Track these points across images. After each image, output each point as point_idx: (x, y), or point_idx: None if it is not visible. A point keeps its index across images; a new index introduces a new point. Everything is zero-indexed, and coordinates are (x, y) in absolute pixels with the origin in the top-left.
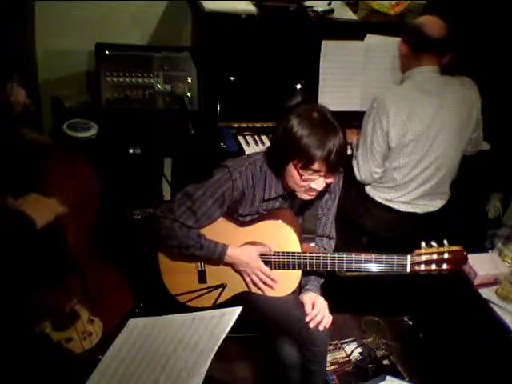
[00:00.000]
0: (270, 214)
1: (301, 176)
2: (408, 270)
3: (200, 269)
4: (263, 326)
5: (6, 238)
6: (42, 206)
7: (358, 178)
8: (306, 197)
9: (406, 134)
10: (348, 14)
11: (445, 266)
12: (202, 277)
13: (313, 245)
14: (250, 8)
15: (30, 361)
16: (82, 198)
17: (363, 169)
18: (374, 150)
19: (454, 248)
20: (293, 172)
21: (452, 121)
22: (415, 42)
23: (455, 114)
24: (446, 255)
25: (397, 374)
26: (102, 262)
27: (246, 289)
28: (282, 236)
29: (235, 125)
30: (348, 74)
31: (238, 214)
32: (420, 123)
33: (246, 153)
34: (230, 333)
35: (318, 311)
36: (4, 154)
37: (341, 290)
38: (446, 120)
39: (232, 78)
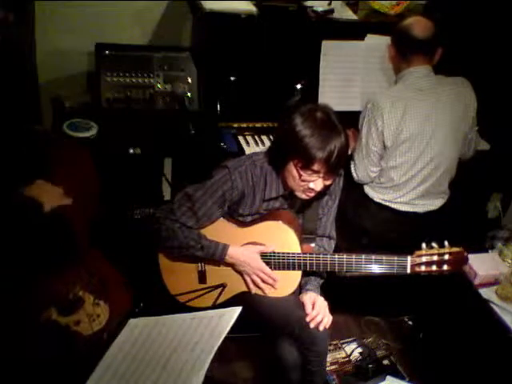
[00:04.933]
0: (270, 215)
1: (300, 176)
2: (408, 271)
3: (200, 269)
4: (263, 325)
5: (16, 223)
6: (49, 192)
7: (356, 178)
8: (304, 196)
9: (401, 132)
10: (348, 14)
11: (445, 267)
12: (202, 277)
13: (313, 245)
14: (250, 8)
15: (37, 351)
16: (83, 188)
17: (360, 168)
18: (370, 150)
19: (455, 249)
20: (292, 171)
21: (447, 120)
22: (401, 44)
23: (450, 113)
24: (446, 256)
25: (397, 374)
26: (103, 261)
27: (246, 289)
28: (282, 237)
29: (235, 125)
30: (348, 73)
31: (238, 214)
32: (414, 122)
33: (246, 153)
34: (229, 333)
35: (318, 311)
36: (14, 147)
37: (341, 290)
38: (441, 119)
39: (232, 78)
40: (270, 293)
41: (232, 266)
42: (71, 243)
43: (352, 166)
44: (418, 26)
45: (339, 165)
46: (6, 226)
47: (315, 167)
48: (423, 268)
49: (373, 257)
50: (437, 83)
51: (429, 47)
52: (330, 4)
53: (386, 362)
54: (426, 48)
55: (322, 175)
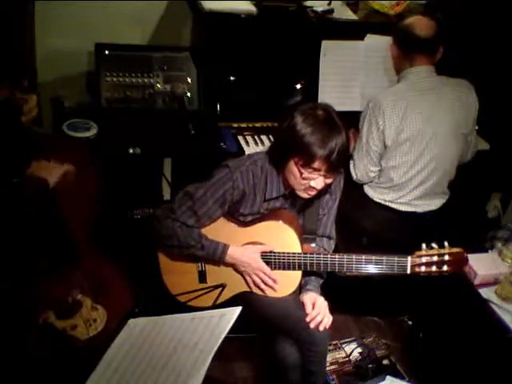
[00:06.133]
0: (271, 215)
1: (301, 174)
2: (408, 272)
3: (200, 269)
4: (263, 326)
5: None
6: (50, 167)
7: (354, 177)
8: (305, 195)
9: (402, 132)
10: (348, 14)
11: (445, 268)
12: (202, 277)
13: (313, 245)
14: (250, 8)
15: (34, 354)
16: (81, 188)
17: (359, 167)
18: (370, 149)
19: (455, 250)
20: (293, 169)
21: (448, 120)
22: (405, 43)
23: (451, 114)
24: (446, 257)
25: (397, 374)
26: (102, 261)
27: (246, 289)
28: (282, 237)
29: (235, 125)
30: (348, 73)
31: (238, 214)
32: (415, 122)
33: (246, 153)
34: (229, 333)
35: (318, 311)
36: (12, 146)
37: (341, 290)
38: (442, 120)
39: (232, 78)
40: (271, 293)
41: (232, 266)
42: (68, 245)
43: (351, 165)
44: (421, 24)
45: (340, 163)
46: (4, 224)
47: (316, 165)
48: (423, 269)
49: (373, 257)
50: (439, 83)
51: (431, 46)
52: (329, 4)
53: (385, 361)
54: (428, 47)
55: (322, 173)
